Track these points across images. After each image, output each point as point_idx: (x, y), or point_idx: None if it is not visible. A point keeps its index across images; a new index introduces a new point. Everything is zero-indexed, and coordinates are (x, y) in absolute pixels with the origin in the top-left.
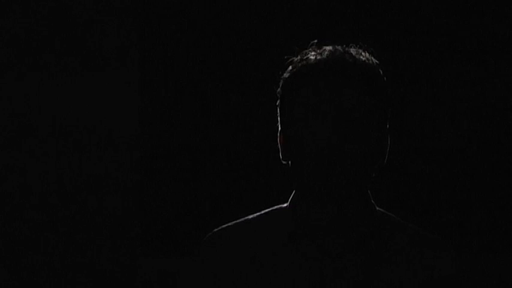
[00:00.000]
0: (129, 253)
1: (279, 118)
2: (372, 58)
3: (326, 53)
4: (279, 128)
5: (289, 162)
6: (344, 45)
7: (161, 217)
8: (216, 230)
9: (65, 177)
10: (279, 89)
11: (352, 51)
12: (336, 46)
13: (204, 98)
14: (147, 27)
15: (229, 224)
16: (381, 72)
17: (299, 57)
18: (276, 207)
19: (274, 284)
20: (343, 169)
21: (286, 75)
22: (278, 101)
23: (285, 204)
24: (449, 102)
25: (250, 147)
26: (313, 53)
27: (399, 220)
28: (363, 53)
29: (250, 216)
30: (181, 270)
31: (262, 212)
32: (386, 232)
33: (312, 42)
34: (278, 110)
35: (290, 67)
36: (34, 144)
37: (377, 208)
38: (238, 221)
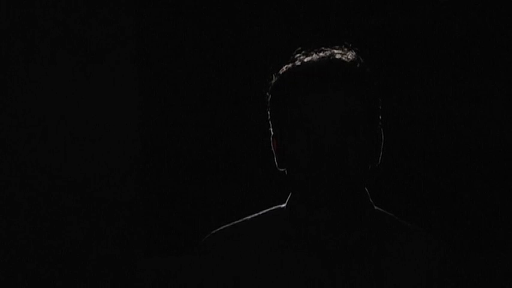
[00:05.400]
0: (130, 253)
1: (270, 123)
2: (359, 58)
3: (312, 58)
4: (272, 133)
5: (285, 169)
6: (329, 47)
7: (162, 217)
8: (213, 231)
9: (65, 177)
10: (268, 94)
11: (338, 53)
12: (322, 49)
13: (204, 98)
14: (145, 25)
15: (227, 225)
16: (369, 71)
17: (285, 65)
18: (273, 208)
19: (272, 286)
20: (338, 175)
21: (274, 81)
22: (268, 106)
23: (283, 205)
24: (446, 101)
25: (250, 147)
26: (299, 58)
27: (397, 219)
28: (349, 54)
29: (248, 217)
30: (180, 272)
31: (260, 213)
32: (384, 232)
33: (298, 49)
34: (268, 115)
35: (277, 74)
36: (34, 144)
37: (375, 207)
38: (235, 222)
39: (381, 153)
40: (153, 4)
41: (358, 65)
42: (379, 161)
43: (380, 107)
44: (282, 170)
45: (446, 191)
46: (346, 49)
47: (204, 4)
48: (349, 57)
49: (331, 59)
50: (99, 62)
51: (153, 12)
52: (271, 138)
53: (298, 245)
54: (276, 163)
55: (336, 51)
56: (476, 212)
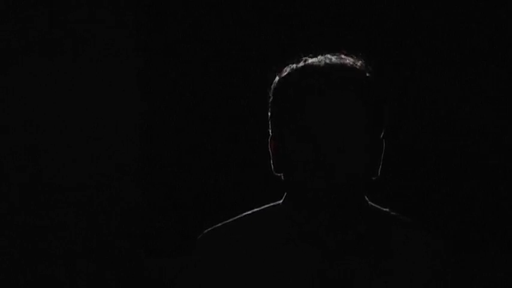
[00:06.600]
0: (131, 253)
1: (269, 124)
2: (368, 66)
3: (318, 60)
4: (270, 134)
5: (281, 174)
6: (335, 54)
7: (163, 217)
8: (208, 229)
9: (66, 177)
10: (269, 96)
11: (343, 60)
12: (327, 55)
13: (205, 99)
14: (145, 25)
15: (222, 223)
16: (376, 80)
17: (289, 66)
18: (270, 204)
19: (270, 284)
20: (337, 177)
21: (276, 81)
22: (269, 106)
23: (280, 201)
24: (447, 100)
25: (250, 147)
26: (304, 60)
27: (393, 215)
28: (355, 61)
29: (244, 214)
30: (177, 272)
31: (256, 209)
32: (382, 228)
33: (304, 52)
34: (269, 115)
35: (281, 74)
36: (34, 145)
37: (370, 204)
38: (231, 219)
39: (381, 164)
40: (153, 4)
41: (365, 72)
42: (379, 173)
43: (385, 118)
44: (278, 174)
45: (446, 191)
46: (354, 56)
47: (204, 4)
48: (356, 64)
49: (337, 62)
50: (99, 62)
51: (153, 12)
52: (269, 140)
53: (296, 242)
54: (272, 166)
55: (343, 56)
56: (476, 212)
